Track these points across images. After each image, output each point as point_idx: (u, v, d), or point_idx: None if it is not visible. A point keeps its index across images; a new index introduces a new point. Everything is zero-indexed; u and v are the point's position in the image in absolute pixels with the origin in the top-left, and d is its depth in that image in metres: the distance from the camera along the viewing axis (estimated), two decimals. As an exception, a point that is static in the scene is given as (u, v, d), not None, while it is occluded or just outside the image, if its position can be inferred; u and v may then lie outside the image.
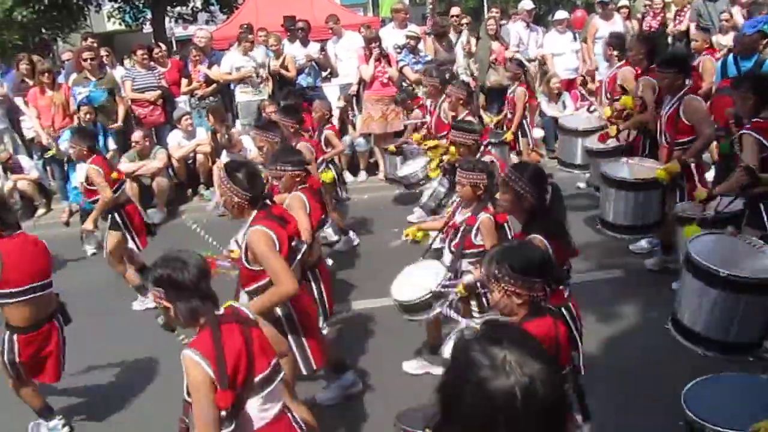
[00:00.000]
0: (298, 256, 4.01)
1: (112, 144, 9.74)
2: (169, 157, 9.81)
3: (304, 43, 10.53)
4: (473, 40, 10.70)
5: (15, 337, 4.35)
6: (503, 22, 12.26)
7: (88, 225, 6.55)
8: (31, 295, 4.30)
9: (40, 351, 4.45)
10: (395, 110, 9.86)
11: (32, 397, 4.65)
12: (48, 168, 10.34)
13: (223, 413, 2.70)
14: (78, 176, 8.76)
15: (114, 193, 6.40)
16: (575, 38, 11.31)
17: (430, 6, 13.86)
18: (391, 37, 10.64)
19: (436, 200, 7.02)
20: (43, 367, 4.51)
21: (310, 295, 4.48)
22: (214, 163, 9.77)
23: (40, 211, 9.91)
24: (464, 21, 10.76)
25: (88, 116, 9.08)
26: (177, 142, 9.89)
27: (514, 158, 8.65)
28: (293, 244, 3.93)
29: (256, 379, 2.82)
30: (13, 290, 4.24)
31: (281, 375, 2.97)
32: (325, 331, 4.83)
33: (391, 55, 10.07)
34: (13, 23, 19.30)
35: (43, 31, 20.18)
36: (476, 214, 4.55)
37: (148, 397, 5.23)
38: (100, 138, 9.19)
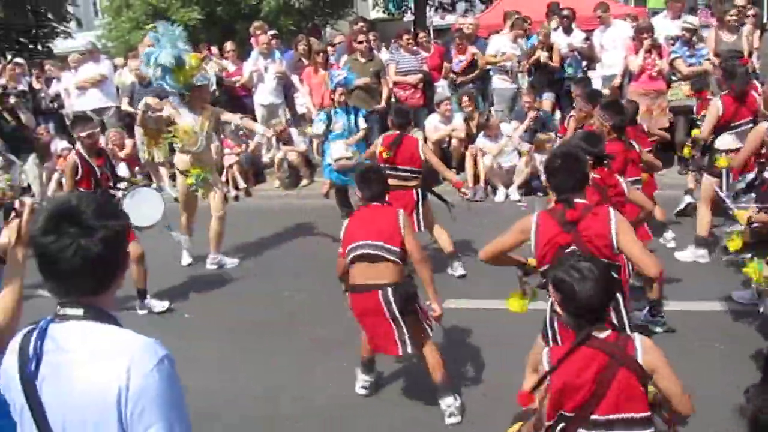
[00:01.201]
0: None
1: (362, 123, 10.16)
2: (425, 139, 10.06)
3: (568, 31, 10.28)
4: (757, 33, 9.76)
5: None
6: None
7: None
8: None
9: None
10: (661, 105, 9.29)
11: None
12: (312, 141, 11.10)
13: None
14: (334, 151, 9.32)
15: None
16: None
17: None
18: (664, 27, 10.02)
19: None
20: None
21: None
22: (467, 148, 9.90)
23: (304, 181, 10.69)
24: (750, 12, 9.84)
25: (342, 97, 9.51)
26: (434, 126, 10.12)
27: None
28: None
29: (594, 416, 2.71)
30: None
31: None
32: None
33: (663, 47, 9.48)
34: (291, 9, 20.98)
35: (316, 17, 21.67)
36: None
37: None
38: (351, 117, 9.64)
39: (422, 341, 4.41)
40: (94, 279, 1.88)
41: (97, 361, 1.81)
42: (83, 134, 6.46)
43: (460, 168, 10.13)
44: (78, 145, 6.58)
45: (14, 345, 1.94)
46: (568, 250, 3.67)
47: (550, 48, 9.94)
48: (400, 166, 6.58)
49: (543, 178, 3.94)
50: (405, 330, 4.30)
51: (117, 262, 1.94)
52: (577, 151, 3.93)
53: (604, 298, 2.76)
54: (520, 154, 9.72)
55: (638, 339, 2.78)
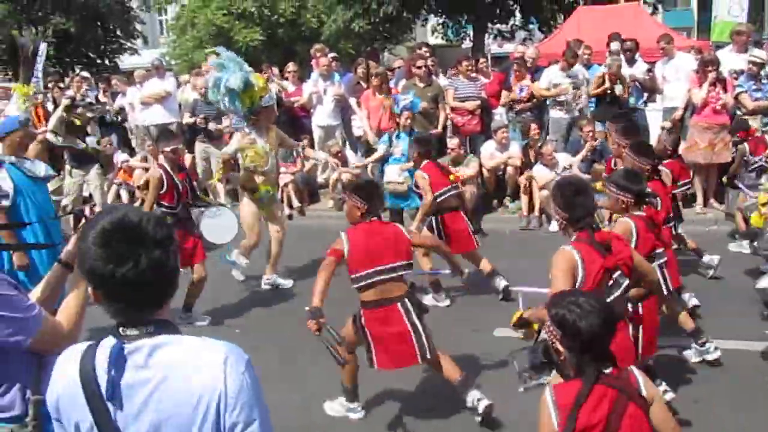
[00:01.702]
0: (616, 293, 3.75)
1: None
2: (481, 166, 10.04)
3: (630, 62, 10.18)
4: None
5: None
6: None
7: (412, 227, 6.77)
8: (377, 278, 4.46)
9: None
10: (724, 140, 9.09)
11: (349, 375, 4.81)
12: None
13: None
14: (387, 175, 9.37)
15: (435, 199, 6.67)
16: None
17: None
18: (728, 61, 9.83)
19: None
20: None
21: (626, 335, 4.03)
22: (522, 175, 9.84)
23: (358, 203, 10.71)
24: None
25: (408, 121, 9.57)
26: (490, 153, 10.08)
27: None
28: (614, 275, 3.73)
29: None
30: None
31: None
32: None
33: (728, 80, 9.30)
34: (351, 33, 21.28)
35: (375, 41, 21.91)
36: None
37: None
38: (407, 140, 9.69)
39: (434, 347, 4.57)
40: (155, 294, 1.88)
41: (188, 371, 1.81)
42: (168, 149, 6.63)
43: (515, 196, 10.08)
44: (161, 159, 6.73)
45: (68, 361, 1.90)
46: (616, 275, 3.67)
47: (620, 80, 9.78)
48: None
49: (557, 212, 3.77)
50: (423, 336, 4.47)
51: (175, 274, 1.95)
52: (576, 177, 3.93)
53: (607, 332, 2.70)
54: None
55: (636, 371, 2.77)
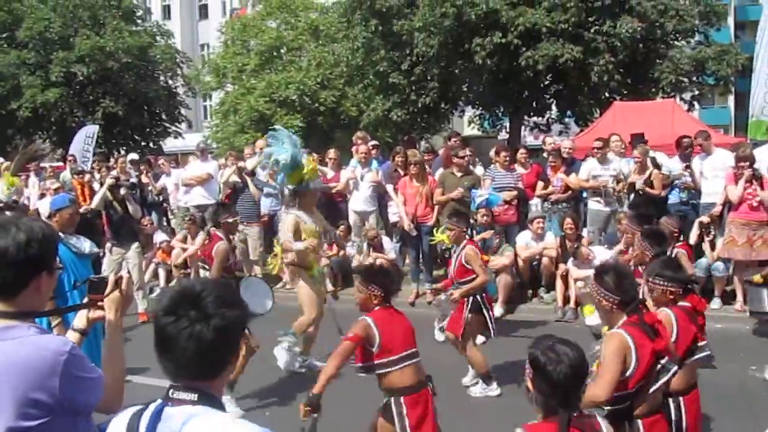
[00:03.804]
0: (663, 378, 3.72)
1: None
2: (516, 256, 10.03)
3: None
4: None
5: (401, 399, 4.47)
6: None
7: (451, 305, 6.87)
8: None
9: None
10: (764, 237, 8.98)
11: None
12: (402, 251, 11.23)
13: None
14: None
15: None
16: None
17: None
18: (766, 158, 9.83)
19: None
20: None
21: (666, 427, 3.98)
22: (557, 267, 9.80)
23: (392, 289, 10.71)
24: None
25: (485, 218, 9.47)
26: (525, 243, 10.09)
27: None
28: (661, 361, 3.67)
29: None
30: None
31: None
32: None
33: (766, 177, 9.27)
34: (389, 122, 21.77)
35: (412, 130, 22.35)
36: None
37: None
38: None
39: None
40: (206, 365, 1.93)
41: None
42: (230, 220, 6.87)
43: (550, 287, 10.02)
44: (220, 232, 6.91)
45: (120, 419, 1.98)
46: (663, 361, 3.62)
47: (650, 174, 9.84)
48: None
49: (605, 296, 3.69)
50: None
51: (230, 350, 2.00)
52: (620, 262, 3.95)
53: (576, 384, 2.77)
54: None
55: (599, 416, 2.87)
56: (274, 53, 28.59)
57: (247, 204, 11.45)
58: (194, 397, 1.90)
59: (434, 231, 8.68)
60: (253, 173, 11.45)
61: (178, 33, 37.78)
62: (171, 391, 1.94)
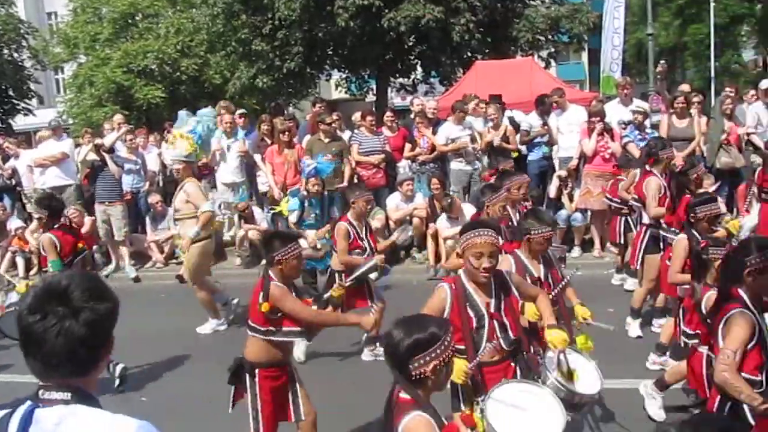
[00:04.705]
0: None
1: (336, 213, 10.16)
2: (387, 218, 10.15)
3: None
4: (704, 119, 10.17)
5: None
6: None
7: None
8: None
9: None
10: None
11: None
12: (275, 221, 11.09)
13: None
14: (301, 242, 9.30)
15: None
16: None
17: (658, 80, 13.39)
18: (616, 112, 10.40)
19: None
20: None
21: None
22: (428, 228, 10.00)
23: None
24: (695, 99, 10.28)
25: (315, 188, 9.52)
26: (395, 205, 10.23)
27: None
28: None
29: None
30: None
31: None
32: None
33: (615, 131, 9.82)
34: (255, 89, 21.34)
35: (278, 96, 22.03)
36: None
37: None
38: (326, 207, 9.67)
39: None
40: (78, 361, 1.84)
41: None
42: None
43: (422, 247, 10.23)
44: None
45: None
46: None
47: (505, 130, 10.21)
48: None
49: None
50: None
51: (102, 344, 1.91)
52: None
53: None
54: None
55: None
56: (129, 21, 27.24)
57: (108, 183, 10.87)
58: (67, 396, 1.82)
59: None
60: (111, 150, 10.86)
61: (20, 1, 35.20)
62: (41, 391, 1.84)
